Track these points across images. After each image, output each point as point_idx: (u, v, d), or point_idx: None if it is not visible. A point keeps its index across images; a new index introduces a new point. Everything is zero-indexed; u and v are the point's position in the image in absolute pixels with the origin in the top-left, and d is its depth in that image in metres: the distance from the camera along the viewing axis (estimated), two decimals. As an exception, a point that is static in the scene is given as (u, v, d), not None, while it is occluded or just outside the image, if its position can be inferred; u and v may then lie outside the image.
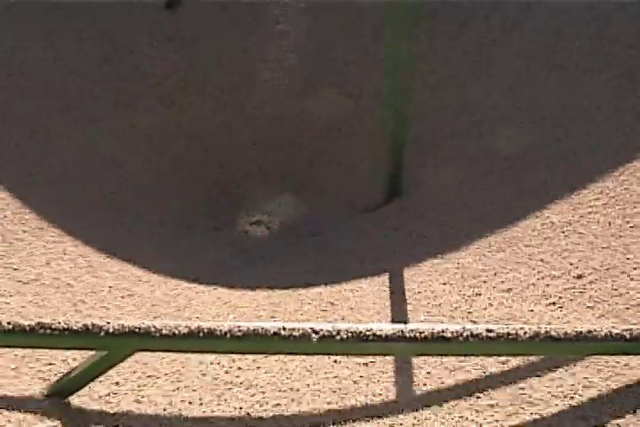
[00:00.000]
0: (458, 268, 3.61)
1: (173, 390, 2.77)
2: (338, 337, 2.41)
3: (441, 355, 2.71)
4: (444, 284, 3.50)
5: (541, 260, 3.49)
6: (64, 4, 5.43)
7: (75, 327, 2.35)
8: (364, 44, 5.39)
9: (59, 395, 2.57)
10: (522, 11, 5.02)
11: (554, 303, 3.20)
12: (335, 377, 2.84)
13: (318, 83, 5.37)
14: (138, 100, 5.23)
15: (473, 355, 2.66)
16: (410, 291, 3.43)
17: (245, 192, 5.16)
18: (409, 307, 3.34)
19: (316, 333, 2.40)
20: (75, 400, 2.62)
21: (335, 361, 2.92)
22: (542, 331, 2.46)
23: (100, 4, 5.49)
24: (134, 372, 2.83)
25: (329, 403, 2.73)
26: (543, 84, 4.57)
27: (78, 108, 5.05)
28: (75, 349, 2.44)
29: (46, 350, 2.83)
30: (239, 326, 2.39)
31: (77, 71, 5.20)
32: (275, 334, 2.39)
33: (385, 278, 3.60)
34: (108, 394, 2.69)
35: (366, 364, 2.89)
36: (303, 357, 2.90)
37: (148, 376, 2.83)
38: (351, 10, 5.53)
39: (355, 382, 2.82)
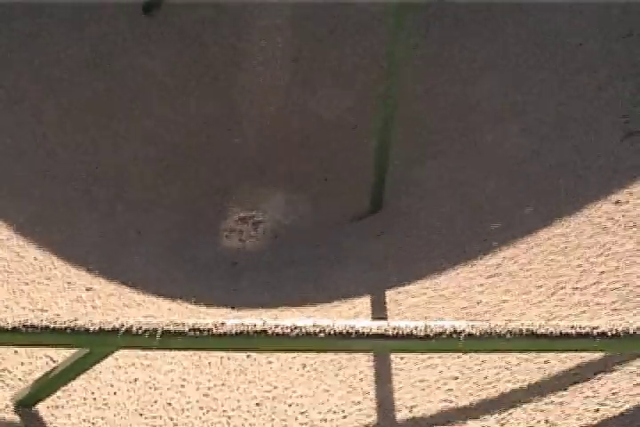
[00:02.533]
0: (439, 280, 3.59)
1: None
2: (321, 334, 2.41)
3: (423, 352, 2.71)
4: (424, 294, 3.50)
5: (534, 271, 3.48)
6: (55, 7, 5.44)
7: (57, 325, 2.34)
8: (365, 44, 5.39)
9: (30, 400, 2.57)
10: (521, 12, 5.02)
11: (550, 312, 3.20)
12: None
13: (317, 82, 5.37)
14: (137, 100, 5.24)
15: (455, 352, 2.67)
16: (393, 302, 3.43)
17: (236, 193, 5.16)
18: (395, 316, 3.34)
19: (299, 329, 2.40)
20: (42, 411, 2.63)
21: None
22: (524, 328, 2.47)
23: (87, 7, 5.49)
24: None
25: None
26: (542, 85, 4.57)
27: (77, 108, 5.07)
28: (57, 346, 2.44)
29: (8, 358, 2.83)
30: (222, 323, 2.38)
31: (74, 73, 5.22)
32: (257, 331, 2.38)
33: (368, 289, 3.59)
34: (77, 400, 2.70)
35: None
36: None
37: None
38: (352, 9, 5.53)
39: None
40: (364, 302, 3.42)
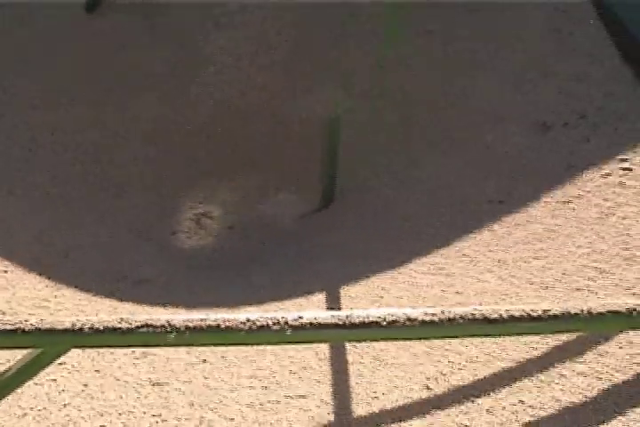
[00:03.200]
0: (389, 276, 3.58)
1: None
2: (275, 326, 2.41)
3: (378, 340, 2.72)
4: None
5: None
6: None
7: (8, 327, 2.34)
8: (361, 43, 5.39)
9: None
10: (520, 12, 5.01)
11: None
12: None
13: (313, 82, 5.38)
14: (134, 97, 5.27)
15: (410, 339, 2.67)
16: (346, 297, 3.42)
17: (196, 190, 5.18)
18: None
19: (252, 322, 2.40)
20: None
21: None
22: (477, 313, 2.47)
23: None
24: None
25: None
26: (539, 86, 4.56)
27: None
28: (9, 348, 2.43)
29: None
30: (174, 320, 2.39)
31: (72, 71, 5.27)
32: (209, 325, 2.39)
33: (319, 289, 3.58)
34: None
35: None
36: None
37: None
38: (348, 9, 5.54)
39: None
40: (323, 297, 3.43)
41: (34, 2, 5.54)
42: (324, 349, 2.87)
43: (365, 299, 3.31)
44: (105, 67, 5.60)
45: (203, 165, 5.24)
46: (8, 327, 2.34)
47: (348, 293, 3.39)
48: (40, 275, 3.85)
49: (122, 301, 3.69)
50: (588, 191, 3.71)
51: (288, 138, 5.30)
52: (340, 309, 3.28)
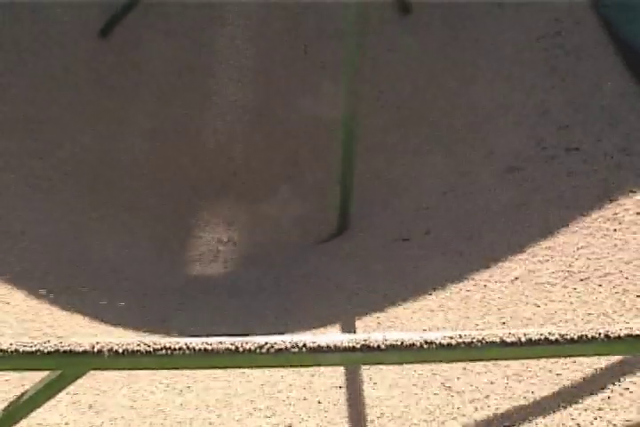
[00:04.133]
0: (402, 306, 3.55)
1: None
2: (294, 349, 2.41)
3: (394, 364, 2.73)
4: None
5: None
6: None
7: (27, 348, 2.33)
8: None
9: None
10: (521, 12, 4.99)
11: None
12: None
13: (313, 82, 5.35)
14: (133, 99, 5.26)
15: (427, 362, 2.68)
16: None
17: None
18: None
19: (269, 345, 2.40)
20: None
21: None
22: (494, 337, 2.48)
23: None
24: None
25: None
26: (539, 87, 4.55)
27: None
28: (27, 370, 2.42)
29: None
30: (193, 342, 2.38)
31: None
32: (228, 348, 2.39)
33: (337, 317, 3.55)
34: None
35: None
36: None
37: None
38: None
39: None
40: (340, 321, 3.42)
41: (34, 2, 5.51)
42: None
43: (384, 322, 3.32)
44: (105, 67, 5.56)
45: (202, 164, 5.23)
46: (27, 349, 2.33)
47: (366, 315, 3.40)
48: (40, 279, 3.83)
49: (127, 311, 3.69)
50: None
51: (288, 138, 5.30)
52: (355, 332, 3.28)
